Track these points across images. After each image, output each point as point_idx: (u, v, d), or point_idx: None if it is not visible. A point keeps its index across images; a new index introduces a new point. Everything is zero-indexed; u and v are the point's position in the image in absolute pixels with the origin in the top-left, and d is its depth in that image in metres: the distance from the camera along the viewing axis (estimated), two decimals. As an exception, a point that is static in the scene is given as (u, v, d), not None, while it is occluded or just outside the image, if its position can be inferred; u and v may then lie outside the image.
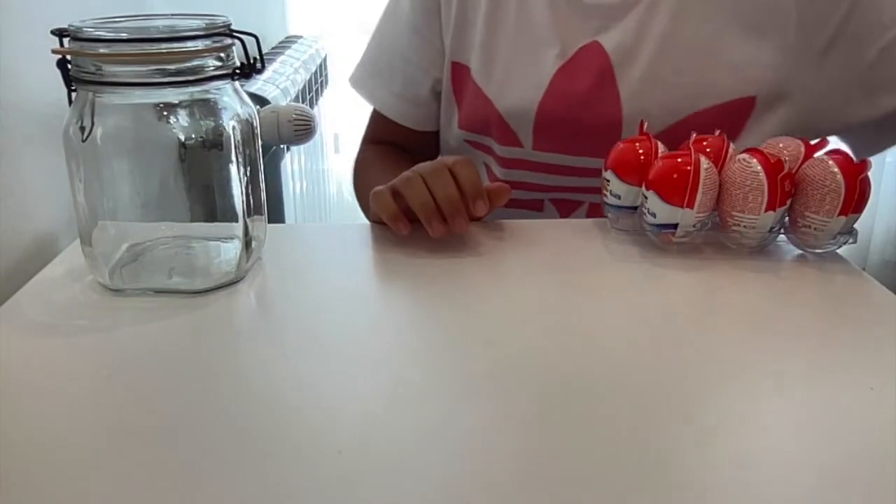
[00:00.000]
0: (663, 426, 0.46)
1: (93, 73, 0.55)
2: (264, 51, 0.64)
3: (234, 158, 0.60)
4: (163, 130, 0.59)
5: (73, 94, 0.57)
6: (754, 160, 0.63)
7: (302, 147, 1.42)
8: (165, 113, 0.58)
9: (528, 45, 0.81)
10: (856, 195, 0.62)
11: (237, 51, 0.59)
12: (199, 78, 0.57)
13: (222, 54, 0.57)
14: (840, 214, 0.63)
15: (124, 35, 0.55)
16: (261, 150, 0.64)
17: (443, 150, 0.95)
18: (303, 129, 1.05)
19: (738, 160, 0.64)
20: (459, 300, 0.61)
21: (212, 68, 0.57)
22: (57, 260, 0.67)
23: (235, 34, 0.58)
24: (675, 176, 0.63)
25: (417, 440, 0.44)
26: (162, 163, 0.61)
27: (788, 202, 0.64)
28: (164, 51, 0.55)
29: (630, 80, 0.78)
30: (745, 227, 0.64)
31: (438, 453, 0.43)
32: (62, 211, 0.71)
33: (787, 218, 0.66)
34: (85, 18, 0.56)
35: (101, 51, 0.55)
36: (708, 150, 0.67)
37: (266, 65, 1.29)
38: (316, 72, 1.57)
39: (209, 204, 0.62)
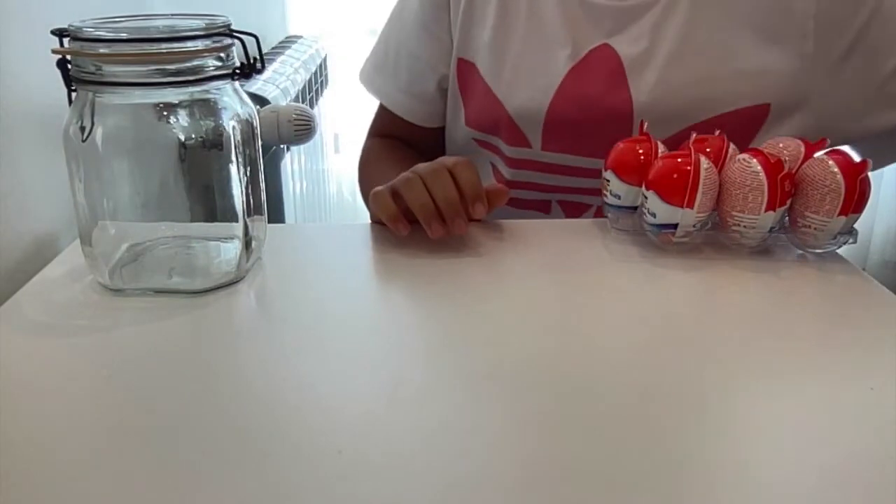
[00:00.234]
0: (663, 426, 0.46)
1: (93, 73, 0.55)
2: (264, 51, 0.64)
3: (234, 158, 0.60)
4: (163, 130, 0.59)
5: (73, 94, 0.57)
6: (754, 160, 0.63)
7: (302, 147, 1.42)
8: (165, 113, 0.58)
9: (538, 45, 0.81)
10: (856, 195, 0.62)
11: (237, 51, 0.59)
12: (199, 78, 0.57)
13: (222, 54, 0.57)
14: (840, 214, 0.63)
15: (124, 35, 0.55)
16: (261, 150, 0.64)
17: (449, 147, 0.95)
18: (303, 129, 1.05)
19: (738, 160, 0.64)
20: (459, 300, 0.61)
21: (212, 68, 0.57)
22: (57, 260, 0.67)
23: (235, 34, 0.58)
24: (675, 176, 0.63)
25: (417, 440, 0.44)
26: (162, 163, 0.61)
27: (788, 202, 0.64)
28: (164, 51, 0.55)
29: (642, 84, 0.77)
30: (745, 227, 0.64)
31: (438, 453, 0.43)
32: (62, 211, 0.71)
33: (787, 218, 0.66)
34: (85, 18, 0.56)
35: (101, 51, 0.55)
36: (708, 150, 0.67)
37: (266, 65, 1.29)
38: (316, 72, 1.57)
39: (209, 204, 0.62)
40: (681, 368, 0.51)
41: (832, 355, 0.54)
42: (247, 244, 0.63)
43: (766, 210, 0.63)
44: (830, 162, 0.63)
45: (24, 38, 0.67)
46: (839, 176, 0.62)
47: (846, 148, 0.76)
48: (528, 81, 0.81)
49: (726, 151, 0.67)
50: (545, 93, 0.80)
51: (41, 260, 0.67)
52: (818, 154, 0.66)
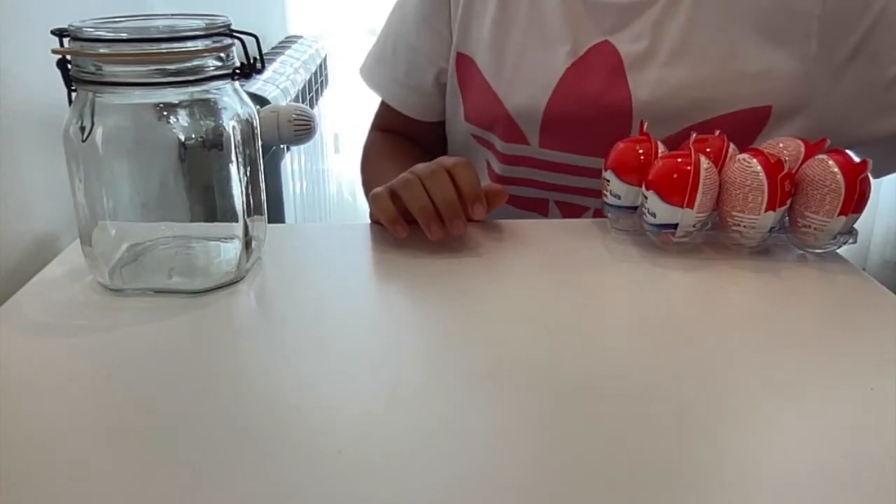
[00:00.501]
0: (663, 426, 0.46)
1: (93, 73, 0.55)
2: (264, 51, 0.64)
3: (234, 158, 0.60)
4: (163, 130, 0.59)
5: (73, 94, 0.57)
6: (754, 160, 0.63)
7: (302, 147, 1.42)
8: (165, 113, 0.58)
9: (538, 41, 0.81)
10: (856, 195, 0.62)
11: (237, 51, 0.59)
12: (199, 78, 0.56)
13: (222, 54, 0.57)
14: (840, 214, 0.63)
15: (124, 35, 0.55)
16: (261, 150, 0.64)
17: (450, 143, 0.95)
18: (303, 129, 1.05)
19: (738, 160, 0.64)
20: (459, 300, 0.61)
21: (212, 68, 0.57)
22: (57, 260, 0.67)
23: (235, 34, 0.58)
24: (675, 176, 0.63)
25: (417, 440, 0.44)
26: (162, 163, 0.61)
27: (788, 202, 0.64)
28: (164, 51, 0.55)
29: (642, 83, 0.77)
30: (745, 227, 0.64)
31: (438, 453, 0.43)
32: (62, 211, 0.71)
33: (787, 218, 0.66)
34: (85, 18, 0.56)
35: (101, 51, 0.55)
36: (708, 150, 0.67)
37: (266, 65, 1.29)
38: (316, 72, 1.57)
39: (209, 204, 0.62)
40: (681, 368, 0.51)
41: (832, 355, 0.54)
42: (247, 244, 0.63)
43: (766, 210, 0.63)
44: (830, 162, 0.63)
45: (24, 38, 0.67)
46: (839, 176, 0.62)
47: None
48: (528, 78, 0.81)
49: (726, 151, 0.67)
50: (544, 90, 0.80)
51: (41, 260, 0.67)
52: (818, 154, 0.66)
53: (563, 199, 0.86)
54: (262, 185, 0.64)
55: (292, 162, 1.36)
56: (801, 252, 0.68)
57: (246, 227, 0.62)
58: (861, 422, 0.46)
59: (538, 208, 0.88)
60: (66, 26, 0.55)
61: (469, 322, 0.58)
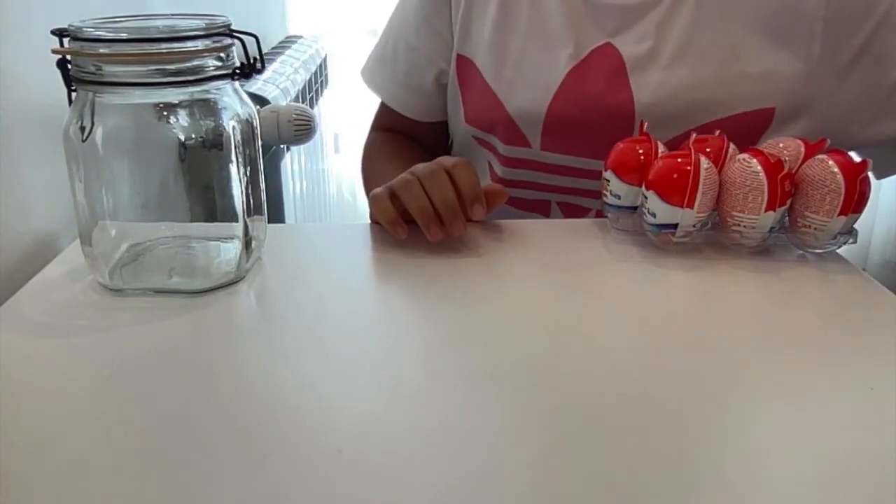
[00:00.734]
0: (663, 426, 0.46)
1: (93, 73, 0.55)
2: (264, 51, 0.64)
3: (234, 158, 0.60)
4: (163, 130, 0.59)
5: (73, 94, 0.57)
6: (754, 160, 0.63)
7: (302, 147, 1.42)
8: (165, 113, 0.58)
9: (540, 44, 0.80)
10: (856, 195, 0.62)
11: (237, 51, 0.59)
12: (199, 78, 0.56)
13: (222, 54, 0.57)
14: (840, 214, 0.63)
15: (124, 35, 0.55)
16: (261, 150, 0.64)
17: (454, 142, 0.95)
18: (303, 129, 1.05)
19: (738, 160, 0.64)
20: (459, 300, 0.61)
21: (212, 68, 0.57)
22: (57, 260, 0.67)
23: (235, 34, 0.58)
24: (675, 176, 0.63)
25: (417, 440, 0.44)
26: (162, 163, 0.61)
27: (788, 202, 0.64)
28: (164, 51, 0.55)
29: (645, 85, 0.77)
30: (745, 227, 0.64)
31: (438, 453, 0.43)
32: (62, 211, 0.71)
33: (787, 218, 0.66)
34: (85, 18, 0.56)
35: (101, 51, 0.55)
36: (708, 150, 0.67)
37: (266, 65, 1.29)
38: (316, 72, 1.57)
39: (209, 204, 0.62)
40: (681, 368, 0.51)
41: (832, 355, 0.54)
42: (247, 244, 0.63)
43: (766, 210, 0.63)
44: (830, 162, 0.63)
45: (24, 38, 0.67)
46: (839, 176, 0.62)
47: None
48: (529, 81, 0.81)
49: (726, 151, 0.67)
50: (545, 92, 0.80)
51: (41, 260, 0.67)
52: (818, 154, 0.66)
53: (566, 201, 0.86)
54: (262, 185, 0.64)
55: (292, 162, 1.36)
56: (801, 252, 0.68)
57: (246, 227, 0.62)
58: (861, 422, 0.46)
59: (540, 210, 0.88)
60: (66, 26, 0.55)
61: (469, 322, 0.58)
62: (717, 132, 0.69)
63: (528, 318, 0.58)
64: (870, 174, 0.63)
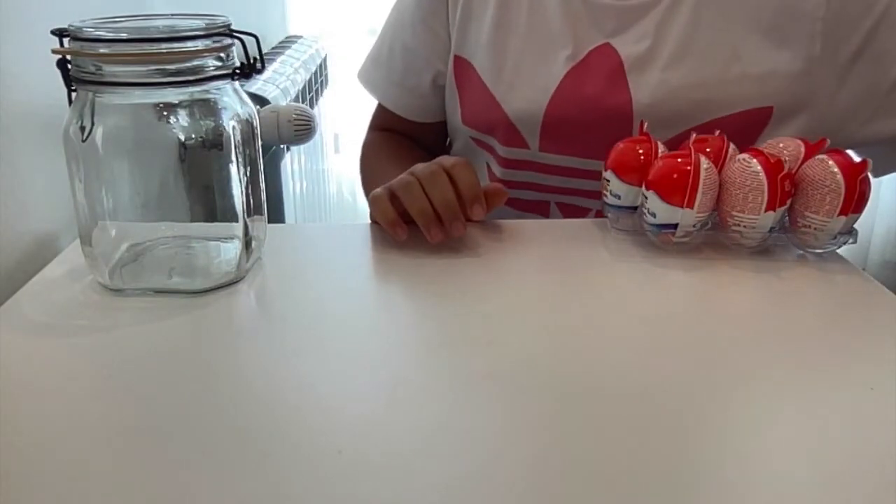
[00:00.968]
0: (663, 426, 0.46)
1: (93, 73, 0.55)
2: (264, 51, 0.64)
3: (234, 158, 0.60)
4: (163, 130, 0.59)
5: (73, 94, 0.57)
6: (754, 160, 0.63)
7: (302, 147, 1.42)
8: (165, 113, 0.58)
9: (539, 45, 0.80)
10: (856, 195, 0.62)
11: (237, 51, 0.59)
12: (199, 78, 0.57)
13: (222, 54, 0.57)
14: (840, 214, 0.63)
15: (124, 35, 0.55)
16: (261, 150, 0.64)
17: (452, 142, 0.95)
18: (303, 129, 1.05)
19: (738, 160, 0.64)
20: (459, 300, 0.61)
21: (212, 68, 0.57)
22: (57, 260, 0.67)
23: (235, 34, 0.58)
24: (675, 176, 0.63)
25: (417, 440, 0.44)
26: (162, 163, 0.61)
27: (788, 202, 0.64)
28: (164, 51, 0.55)
29: (643, 85, 0.77)
30: (745, 227, 0.64)
31: (438, 453, 0.43)
32: (62, 211, 0.71)
33: (787, 218, 0.66)
34: (85, 18, 0.56)
35: (101, 51, 0.55)
36: (708, 150, 0.67)
37: (266, 65, 1.29)
38: (316, 72, 1.57)
39: (209, 204, 0.62)
40: (681, 368, 0.51)
41: (832, 355, 0.54)
42: (247, 244, 0.63)
43: (766, 210, 0.63)
44: (830, 162, 0.63)
45: (24, 38, 0.67)
46: (839, 176, 0.62)
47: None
48: (527, 82, 0.81)
49: (726, 151, 0.67)
50: (544, 93, 0.80)
51: (41, 260, 0.67)
52: (818, 154, 0.66)
53: (565, 201, 0.86)
54: (262, 185, 0.64)
55: (292, 162, 1.36)
56: (801, 252, 0.68)
57: (246, 227, 0.62)
58: (861, 421, 0.46)
59: (539, 210, 0.88)
60: (66, 26, 0.55)
61: (469, 322, 0.58)
62: (717, 132, 0.69)
63: (527, 318, 0.58)
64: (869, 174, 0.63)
